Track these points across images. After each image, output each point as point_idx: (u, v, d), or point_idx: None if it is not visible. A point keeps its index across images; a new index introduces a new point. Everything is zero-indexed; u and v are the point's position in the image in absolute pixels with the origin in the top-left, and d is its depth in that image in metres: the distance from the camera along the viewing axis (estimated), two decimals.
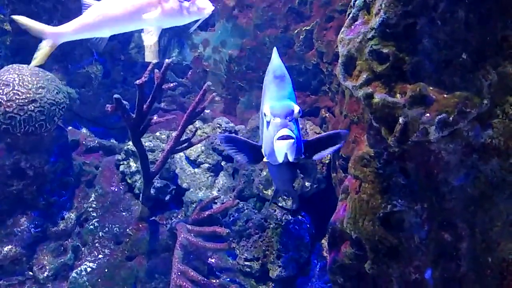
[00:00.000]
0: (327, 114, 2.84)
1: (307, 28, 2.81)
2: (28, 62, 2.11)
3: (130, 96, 2.87)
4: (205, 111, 2.72)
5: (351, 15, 1.49)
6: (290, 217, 2.58)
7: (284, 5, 2.87)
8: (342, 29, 1.49)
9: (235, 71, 3.17)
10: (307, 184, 2.61)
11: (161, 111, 3.18)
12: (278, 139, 1.53)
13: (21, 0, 2.47)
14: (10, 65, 2.28)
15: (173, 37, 3.14)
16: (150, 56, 2.96)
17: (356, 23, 1.46)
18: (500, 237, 1.41)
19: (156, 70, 2.20)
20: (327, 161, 2.70)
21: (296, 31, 2.86)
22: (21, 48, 2.54)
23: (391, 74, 1.37)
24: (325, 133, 1.85)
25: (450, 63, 1.35)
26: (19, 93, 2.15)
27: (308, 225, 2.60)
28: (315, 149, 1.72)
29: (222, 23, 3.10)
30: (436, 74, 1.35)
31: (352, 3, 1.56)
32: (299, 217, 2.61)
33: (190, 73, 3.25)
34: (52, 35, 2.08)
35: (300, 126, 2.84)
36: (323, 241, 2.61)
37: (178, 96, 3.25)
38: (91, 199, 2.60)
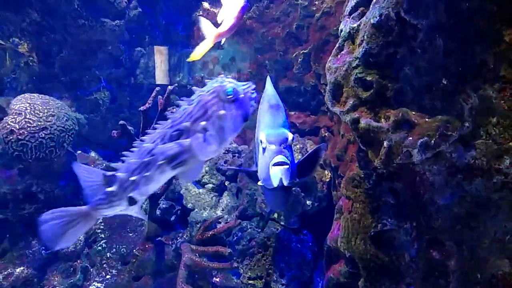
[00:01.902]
0: (326, 133, 2.91)
1: (305, 51, 2.91)
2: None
3: (136, 119, 2.98)
4: None
5: (337, 45, 1.58)
6: (293, 236, 2.63)
7: (283, 30, 2.98)
8: (330, 58, 1.58)
9: None
10: (308, 202, 2.67)
11: None
12: (273, 165, 1.61)
13: (34, 33, 2.61)
14: (22, 95, 2.42)
15: (182, 56, 3.26)
16: (161, 76, 3.09)
17: (342, 52, 1.54)
18: (488, 254, 1.45)
19: (159, 96, 2.31)
20: (327, 180, 2.75)
21: (294, 55, 2.96)
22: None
23: (376, 100, 1.45)
24: (308, 153, 1.94)
25: (431, 88, 1.42)
26: (31, 121, 2.27)
27: (310, 243, 2.65)
28: (304, 169, 1.80)
29: (224, 48, 3.22)
30: (418, 99, 1.43)
31: (339, 33, 1.65)
32: (301, 235, 2.65)
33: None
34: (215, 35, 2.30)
35: (301, 145, 2.94)
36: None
37: None
38: (99, 221, 2.69)
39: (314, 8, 2.83)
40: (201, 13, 3.11)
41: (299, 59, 2.95)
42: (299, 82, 3.03)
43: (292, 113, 3.15)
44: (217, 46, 3.27)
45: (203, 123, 0.99)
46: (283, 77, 3.08)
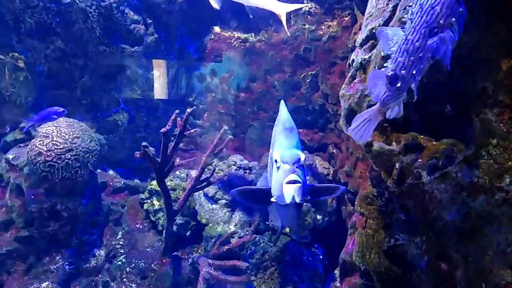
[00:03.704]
0: (334, 150, 3.05)
1: (313, 72, 3.07)
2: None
3: (152, 139, 3.14)
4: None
5: (350, 74, 1.73)
6: (304, 249, 2.75)
7: (291, 52, 3.14)
8: (343, 86, 1.72)
9: (247, 111, 3.42)
10: (318, 217, 2.79)
11: (180, 151, 3.42)
12: (287, 183, 1.74)
13: (56, 59, 2.76)
14: None
15: (180, 68, 3.38)
16: (159, 89, 3.21)
17: (354, 81, 1.69)
18: (492, 264, 1.57)
19: (178, 118, 2.45)
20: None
21: (302, 75, 3.12)
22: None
23: (387, 125, 1.59)
24: (327, 184, 2.08)
25: (437, 114, 1.56)
26: (57, 143, 2.41)
27: (321, 256, 2.77)
28: (317, 193, 1.94)
29: (235, 69, 3.37)
30: (425, 124, 1.57)
31: (350, 62, 1.80)
32: (312, 249, 2.77)
33: (206, 115, 3.51)
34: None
35: (310, 161, 3.07)
36: (336, 271, 2.76)
37: (195, 137, 3.50)
38: (118, 237, 2.81)
39: (321, 32, 2.99)
40: (212, 37, 3.27)
41: (307, 80, 3.11)
42: (307, 102, 3.18)
43: (301, 130, 3.29)
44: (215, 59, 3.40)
45: (452, 20, 1.17)
46: (291, 97, 3.23)
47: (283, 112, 2.06)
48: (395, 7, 1.58)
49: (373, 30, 1.66)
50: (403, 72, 1.20)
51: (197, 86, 3.42)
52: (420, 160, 1.49)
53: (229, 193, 3.11)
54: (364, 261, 1.69)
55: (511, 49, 1.54)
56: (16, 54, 2.78)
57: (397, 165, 1.52)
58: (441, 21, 1.19)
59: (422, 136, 1.54)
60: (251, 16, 2.98)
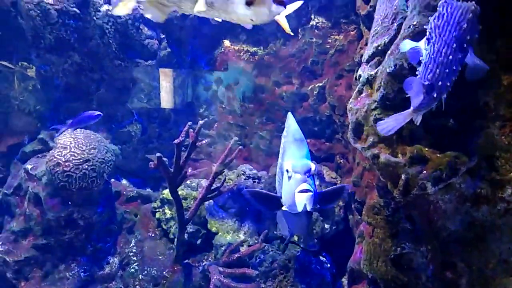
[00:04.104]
0: (341, 161, 3.12)
1: (320, 84, 3.15)
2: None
3: (163, 149, 3.23)
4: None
5: (357, 89, 1.81)
6: (312, 258, 2.80)
7: (299, 65, 3.24)
8: (350, 100, 1.80)
9: (256, 122, 3.50)
10: (326, 226, 2.85)
11: (190, 160, 3.50)
12: (299, 192, 1.81)
13: (73, 73, 2.88)
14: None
15: (187, 76, 3.47)
16: (165, 97, 3.30)
17: (361, 95, 1.77)
18: (495, 273, 1.63)
19: (190, 130, 2.54)
20: (343, 204, 2.95)
21: (310, 87, 3.21)
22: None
23: (393, 138, 1.66)
24: (332, 187, 2.14)
25: (441, 127, 1.64)
26: (75, 154, 2.51)
27: (329, 265, 2.82)
28: (325, 199, 2.00)
29: (244, 81, 3.46)
30: (430, 137, 1.64)
31: (357, 77, 1.88)
32: (320, 257, 2.83)
33: (216, 125, 3.60)
34: None
35: (318, 171, 3.14)
36: (343, 279, 2.81)
37: (205, 147, 3.58)
38: (131, 245, 2.89)
39: (328, 46, 3.08)
40: (222, 50, 3.38)
41: (314, 92, 3.20)
42: (314, 113, 3.26)
43: (308, 140, 3.36)
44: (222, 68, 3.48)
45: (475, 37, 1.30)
46: (299, 108, 3.32)
47: (292, 124, 2.14)
48: (399, 26, 1.67)
49: (379, 47, 1.74)
50: (439, 83, 1.29)
51: (207, 97, 3.52)
52: (425, 171, 1.56)
53: (238, 203, 3.18)
54: (371, 269, 1.76)
55: (511, 65, 1.61)
56: (25, 63, 2.90)
57: (403, 177, 1.59)
58: (468, 37, 1.28)
59: (426, 149, 1.61)
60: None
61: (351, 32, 2.99)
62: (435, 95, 1.30)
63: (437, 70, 1.29)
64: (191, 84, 3.46)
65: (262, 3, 1.24)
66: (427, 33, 1.33)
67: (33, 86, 2.96)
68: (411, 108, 1.36)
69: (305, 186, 1.80)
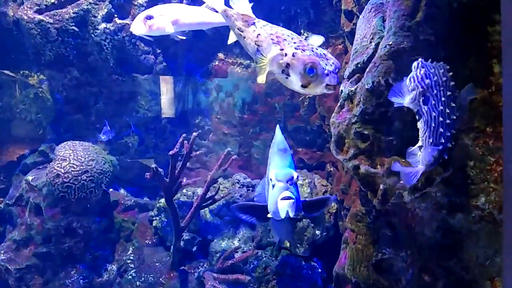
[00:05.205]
0: (332, 169, 3.22)
1: (310, 96, 3.26)
2: None
3: (160, 159, 3.34)
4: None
5: (339, 103, 1.91)
6: (304, 263, 2.90)
7: None
8: (333, 115, 1.91)
9: (250, 132, 3.61)
10: (317, 232, 2.95)
11: (186, 170, 3.60)
12: (281, 199, 1.91)
13: (73, 87, 3.00)
14: (65, 142, 2.78)
15: (187, 84, 3.56)
16: (166, 104, 3.41)
17: (343, 110, 1.88)
18: (472, 276, 1.72)
19: (185, 141, 2.65)
20: (334, 211, 3.04)
21: (300, 98, 3.32)
22: None
23: (372, 150, 1.77)
24: (318, 197, 2.24)
25: (418, 139, 1.74)
26: (74, 166, 2.62)
27: (320, 270, 2.91)
28: (311, 207, 2.11)
29: (238, 93, 3.57)
30: (406, 149, 1.74)
31: (339, 93, 1.99)
32: (312, 263, 2.92)
33: (211, 135, 3.70)
34: None
35: (309, 179, 3.25)
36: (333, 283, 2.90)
37: (201, 156, 3.68)
38: (129, 252, 2.99)
39: None
40: (217, 63, 3.50)
41: (305, 103, 3.30)
42: (305, 122, 3.37)
43: (300, 149, 3.47)
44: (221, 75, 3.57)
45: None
46: (291, 118, 3.43)
47: (278, 135, 2.25)
48: (377, 45, 1.78)
49: (358, 65, 1.85)
50: (446, 139, 1.42)
51: (203, 108, 3.63)
52: (401, 181, 1.66)
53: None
54: (354, 274, 1.86)
55: (483, 80, 1.71)
56: (27, 72, 3.01)
57: (381, 187, 1.69)
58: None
59: (403, 160, 1.71)
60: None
61: (339, 46, 3.11)
62: (443, 148, 1.43)
63: (440, 129, 1.42)
64: (186, 96, 3.57)
65: (315, 87, 1.49)
66: (418, 94, 1.44)
67: (35, 94, 3.06)
68: (424, 167, 1.45)
69: (287, 193, 1.91)
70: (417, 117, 1.50)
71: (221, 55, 3.51)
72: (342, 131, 1.84)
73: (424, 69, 1.45)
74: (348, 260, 1.92)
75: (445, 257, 1.74)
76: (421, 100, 1.45)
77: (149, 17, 2.24)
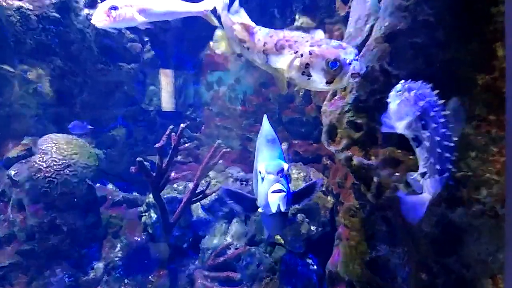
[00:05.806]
0: (328, 162, 3.10)
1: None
2: None
3: (150, 152, 3.22)
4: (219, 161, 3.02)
5: (331, 91, 1.79)
6: (298, 260, 2.79)
7: None
8: (325, 103, 1.79)
9: (244, 124, 3.49)
10: (312, 228, 2.83)
11: (178, 163, 3.49)
12: (272, 192, 1.79)
13: (56, 77, 2.87)
14: (48, 135, 2.66)
15: (189, 78, 3.46)
16: (166, 98, 3.29)
17: (335, 98, 1.76)
18: (473, 274, 1.61)
19: (172, 134, 2.53)
20: (330, 206, 2.93)
21: (296, 89, 3.19)
22: None
23: (366, 140, 1.65)
24: (305, 185, 2.12)
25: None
26: (56, 160, 2.50)
27: (315, 266, 2.80)
28: (299, 197, 1.99)
29: (231, 83, 3.45)
30: (402, 139, 1.62)
31: None
32: (307, 259, 2.81)
33: (203, 128, 3.58)
34: None
35: (305, 173, 3.13)
36: None
37: (193, 149, 3.57)
38: (117, 249, 2.88)
39: None
40: (208, 52, 3.37)
41: (301, 93, 3.18)
42: (301, 114, 3.24)
43: (295, 142, 3.35)
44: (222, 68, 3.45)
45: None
46: (286, 109, 3.30)
47: (265, 126, 2.13)
48: (371, 27, 1.65)
49: None
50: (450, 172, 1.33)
51: (194, 100, 3.51)
52: (397, 173, 1.54)
53: (225, 205, 3.17)
54: (347, 272, 1.75)
55: (485, 65, 1.59)
56: (26, 67, 2.87)
57: (375, 179, 1.58)
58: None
59: (399, 151, 1.59)
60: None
61: (335, 33, 2.97)
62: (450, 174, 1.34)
63: (446, 154, 1.31)
64: (177, 87, 3.45)
65: (341, 80, 1.39)
66: (415, 119, 1.32)
67: (33, 89, 2.93)
68: (430, 195, 1.36)
69: (278, 186, 1.79)
70: (414, 143, 1.38)
71: (212, 44, 3.38)
72: (334, 121, 1.73)
73: (413, 91, 1.32)
74: (341, 257, 1.81)
75: (444, 254, 1.63)
76: (420, 125, 1.32)
77: (114, 8, 2.04)
